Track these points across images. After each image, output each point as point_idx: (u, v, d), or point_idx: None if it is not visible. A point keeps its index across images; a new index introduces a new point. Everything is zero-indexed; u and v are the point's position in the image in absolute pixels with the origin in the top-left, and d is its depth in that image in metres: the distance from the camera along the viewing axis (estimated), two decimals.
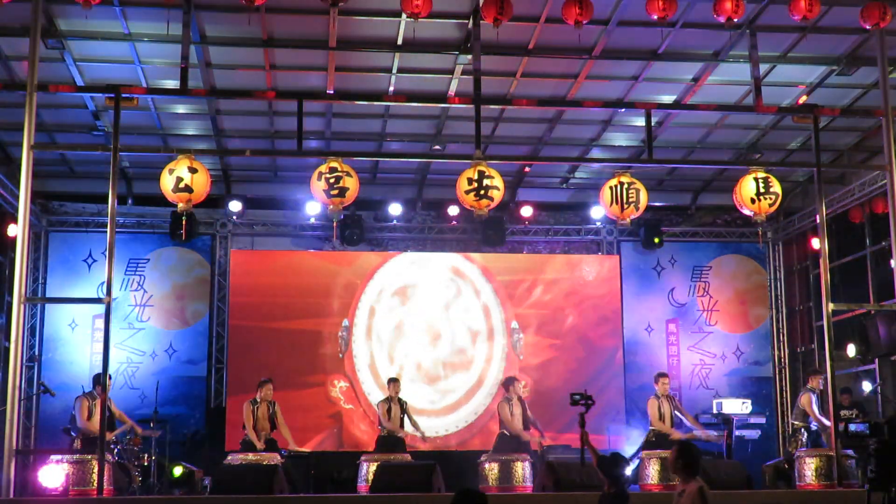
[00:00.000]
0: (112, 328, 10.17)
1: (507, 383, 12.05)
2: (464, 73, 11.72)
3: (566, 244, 16.12)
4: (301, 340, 14.73)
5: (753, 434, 13.59)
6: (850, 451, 10.89)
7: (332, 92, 11.65)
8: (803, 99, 12.46)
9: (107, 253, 9.89)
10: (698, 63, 11.83)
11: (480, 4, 9.96)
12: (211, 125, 13.39)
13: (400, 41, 11.10)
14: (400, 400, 11.97)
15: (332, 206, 10.67)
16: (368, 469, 11.05)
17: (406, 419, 11.96)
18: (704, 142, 14.14)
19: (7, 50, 11.17)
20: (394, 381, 12.14)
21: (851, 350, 14.12)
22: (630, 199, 11.00)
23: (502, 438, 11.68)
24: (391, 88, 12.24)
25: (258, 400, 11.44)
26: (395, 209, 15.19)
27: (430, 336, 15.06)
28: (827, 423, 11.03)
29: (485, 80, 10.96)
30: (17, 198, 10.73)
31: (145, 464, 11.79)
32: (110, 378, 11.09)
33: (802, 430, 11.40)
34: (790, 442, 11.71)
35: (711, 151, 14.40)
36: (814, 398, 11.43)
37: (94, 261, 14.73)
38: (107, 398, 9.99)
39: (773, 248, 16.21)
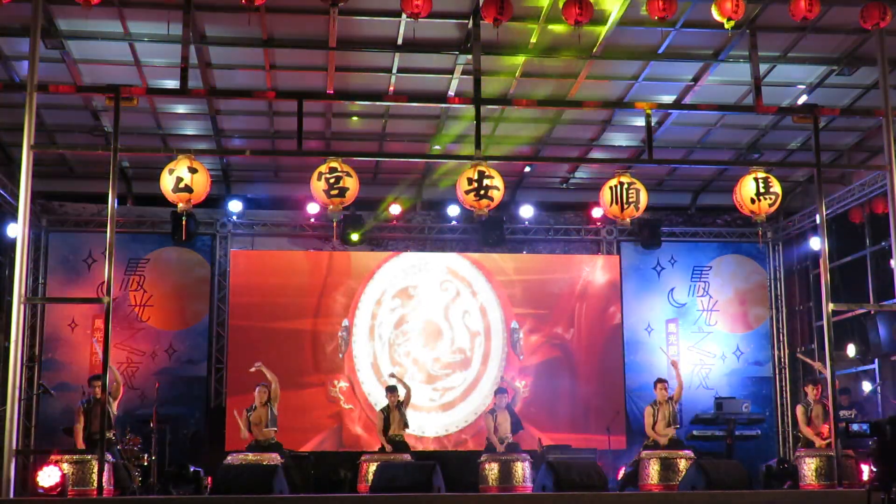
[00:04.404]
0: (112, 328, 10.16)
1: (497, 393, 12.50)
2: (464, 73, 11.72)
3: (566, 244, 16.11)
4: (301, 340, 14.74)
5: (753, 434, 13.60)
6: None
7: (332, 92, 11.65)
8: (803, 99, 12.46)
9: (107, 253, 9.89)
10: (698, 63, 11.83)
11: (480, 4, 9.96)
12: (211, 125, 13.39)
13: (400, 41, 11.10)
14: (399, 404, 11.99)
15: (331, 207, 10.68)
16: (368, 469, 11.07)
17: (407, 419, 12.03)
18: (704, 142, 14.14)
19: (7, 50, 11.17)
20: (391, 391, 12.13)
21: (851, 350, 14.12)
22: (630, 199, 11.00)
23: (490, 445, 12.00)
24: (391, 88, 12.24)
25: (255, 406, 11.45)
26: (395, 209, 15.19)
27: (429, 336, 15.06)
28: (814, 438, 11.27)
29: (485, 80, 10.96)
30: (17, 198, 10.73)
31: (145, 464, 11.81)
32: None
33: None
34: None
35: (711, 151, 14.40)
36: (807, 410, 11.52)
37: (94, 261, 14.72)
38: (107, 398, 9.98)
39: (773, 248, 16.21)
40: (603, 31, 10.87)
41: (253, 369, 11.77)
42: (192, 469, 12.09)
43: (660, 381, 11.98)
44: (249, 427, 11.34)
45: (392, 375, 12.87)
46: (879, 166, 11.82)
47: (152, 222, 14.96)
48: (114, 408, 10.60)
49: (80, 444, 10.39)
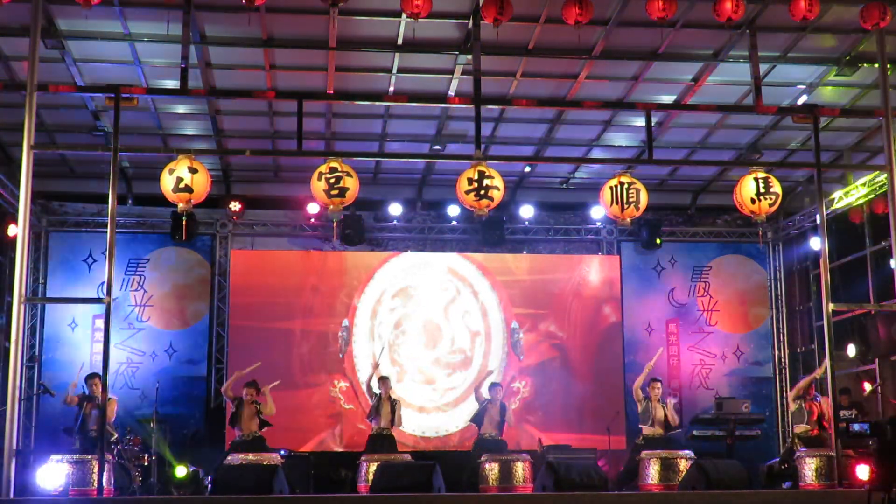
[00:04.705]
0: (112, 328, 10.16)
1: (491, 387, 12.47)
2: (464, 73, 11.72)
3: (566, 244, 16.11)
4: (301, 340, 14.74)
5: (753, 434, 13.59)
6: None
7: (332, 92, 11.65)
8: (803, 99, 12.46)
9: (107, 253, 9.89)
10: (698, 63, 11.83)
11: (480, 4, 9.96)
12: (211, 125, 13.39)
13: (400, 41, 11.10)
14: (391, 398, 11.99)
15: (332, 207, 10.67)
16: (368, 469, 11.05)
17: (396, 418, 12.00)
18: (705, 142, 14.14)
19: (7, 50, 11.17)
20: (383, 380, 12.14)
21: (851, 350, 14.12)
22: (630, 200, 10.99)
23: (480, 441, 11.94)
24: (391, 88, 12.24)
25: (243, 400, 11.41)
26: (395, 209, 15.21)
27: (429, 336, 15.06)
28: (801, 389, 11.53)
29: (485, 80, 10.97)
30: (17, 198, 10.73)
31: (145, 464, 11.81)
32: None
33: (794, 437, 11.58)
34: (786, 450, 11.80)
35: (712, 152, 14.40)
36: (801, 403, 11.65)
37: (94, 261, 14.72)
38: (107, 398, 9.97)
39: (773, 248, 16.21)
40: (603, 31, 10.89)
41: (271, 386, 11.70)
42: (191, 469, 12.10)
43: (653, 380, 12.05)
44: (240, 423, 11.29)
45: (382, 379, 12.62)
46: (879, 166, 11.82)
47: (152, 222, 14.96)
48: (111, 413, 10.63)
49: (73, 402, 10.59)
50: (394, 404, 11.95)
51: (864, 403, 13.48)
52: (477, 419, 12.29)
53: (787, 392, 15.57)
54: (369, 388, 12.40)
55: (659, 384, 12.02)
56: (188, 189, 10.33)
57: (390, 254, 15.36)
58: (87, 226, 14.83)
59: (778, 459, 11.73)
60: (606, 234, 15.99)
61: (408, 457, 11.41)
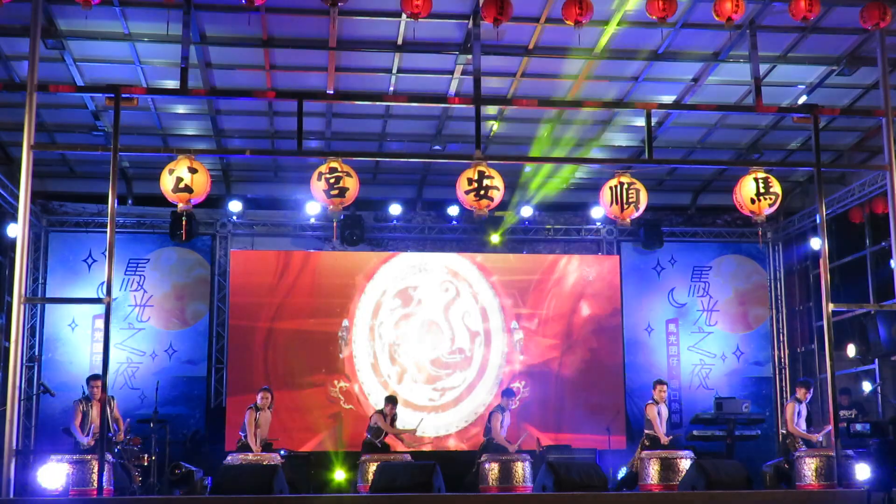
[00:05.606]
0: (112, 328, 10.16)
1: (506, 394, 12.32)
2: (464, 73, 11.73)
3: (566, 244, 16.11)
4: (301, 340, 14.74)
5: (753, 434, 13.60)
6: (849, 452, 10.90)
7: (332, 92, 11.65)
8: (803, 99, 12.47)
9: (107, 253, 9.88)
10: (698, 63, 11.83)
11: (480, 4, 9.96)
12: (211, 125, 13.40)
13: (400, 41, 11.11)
14: (395, 417, 12.07)
15: (331, 207, 10.66)
16: (368, 469, 11.07)
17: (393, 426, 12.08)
18: (704, 142, 14.14)
19: (7, 50, 11.18)
20: (391, 402, 12.15)
21: (851, 350, 14.12)
22: (630, 199, 10.98)
23: (487, 447, 11.81)
24: (391, 88, 12.24)
25: (259, 406, 11.38)
26: (395, 209, 15.21)
27: (430, 336, 15.06)
28: (805, 434, 11.29)
29: (485, 80, 10.96)
30: (17, 198, 10.72)
31: (145, 464, 11.81)
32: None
33: (790, 436, 11.48)
34: (780, 448, 11.75)
35: (711, 151, 14.41)
36: (798, 408, 11.49)
37: (94, 261, 14.73)
38: (107, 398, 9.96)
39: (773, 248, 16.21)
40: (604, 30, 10.88)
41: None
42: (185, 467, 12.08)
43: (659, 381, 12.01)
44: (256, 423, 11.24)
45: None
46: (879, 166, 11.82)
47: (152, 222, 14.96)
48: (116, 412, 10.61)
49: (83, 438, 10.37)
50: (394, 419, 12.08)
51: (864, 403, 13.48)
52: (489, 431, 12.11)
53: (786, 392, 15.60)
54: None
55: (665, 386, 11.98)
56: (188, 189, 10.32)
57: (390, 254, 15.36)
58: (87, 226, 14.83)
59: (781, 459, 11.71)
60: (606, 234, 15.99)
61: (408, 457, 11.42)
